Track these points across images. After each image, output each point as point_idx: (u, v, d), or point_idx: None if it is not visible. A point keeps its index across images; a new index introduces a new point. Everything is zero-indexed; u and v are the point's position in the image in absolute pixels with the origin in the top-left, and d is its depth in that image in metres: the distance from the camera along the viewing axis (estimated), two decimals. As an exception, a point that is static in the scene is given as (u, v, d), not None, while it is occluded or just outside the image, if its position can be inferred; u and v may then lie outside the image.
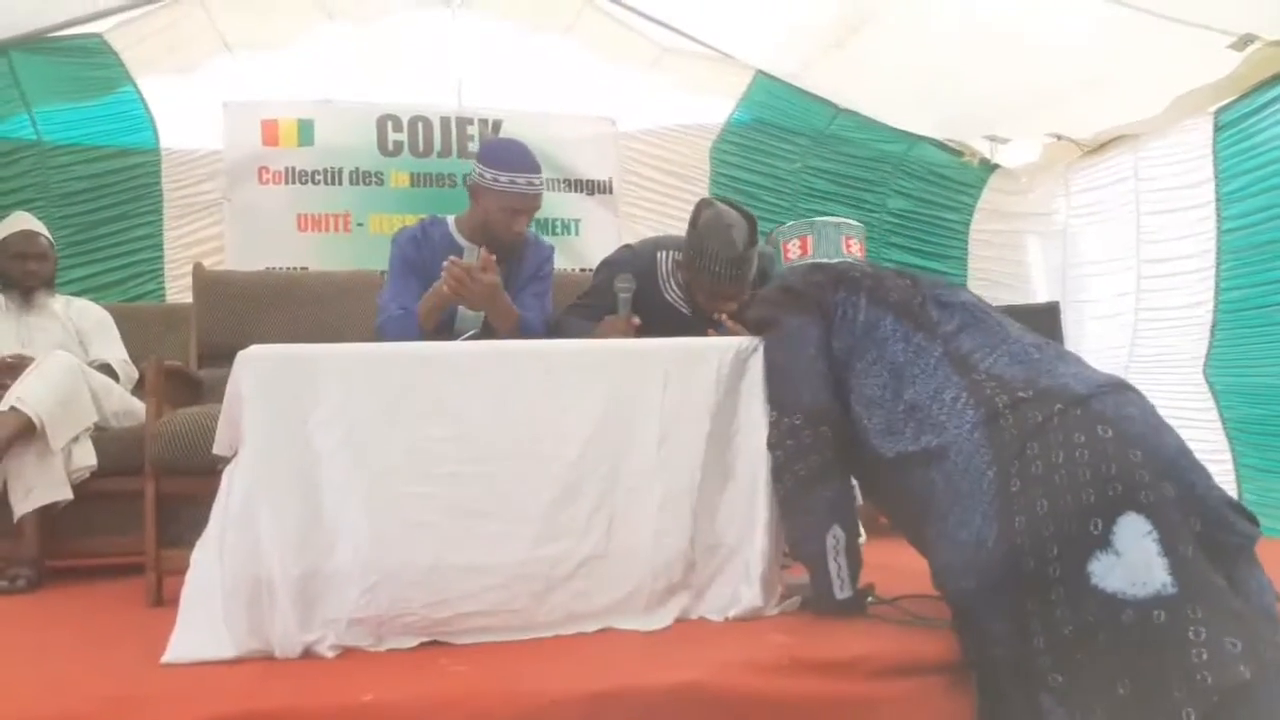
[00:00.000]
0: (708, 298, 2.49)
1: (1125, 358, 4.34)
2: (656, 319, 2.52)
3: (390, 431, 1.70)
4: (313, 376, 1.69)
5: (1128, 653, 1.36)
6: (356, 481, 1.68)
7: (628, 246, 2.80)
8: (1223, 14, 3.44)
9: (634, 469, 1.75)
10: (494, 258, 2.40)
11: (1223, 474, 3.84)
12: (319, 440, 1.68)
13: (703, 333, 2.47)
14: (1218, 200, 3.91)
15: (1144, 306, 4.29)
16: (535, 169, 2.62)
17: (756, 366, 1.88)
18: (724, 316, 2.37)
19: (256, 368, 1.69)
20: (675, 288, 2.63)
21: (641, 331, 2.49)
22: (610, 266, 2.68)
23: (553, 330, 2.58)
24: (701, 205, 2.52)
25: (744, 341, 1.92)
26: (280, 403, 1.68)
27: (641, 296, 2.54)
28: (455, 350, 1.92)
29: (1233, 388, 3.82)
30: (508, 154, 2.63)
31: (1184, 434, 4.30)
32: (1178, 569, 1.37)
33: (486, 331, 2.46)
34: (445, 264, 2.35)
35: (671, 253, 2.64)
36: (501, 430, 1.73)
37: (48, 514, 2.59)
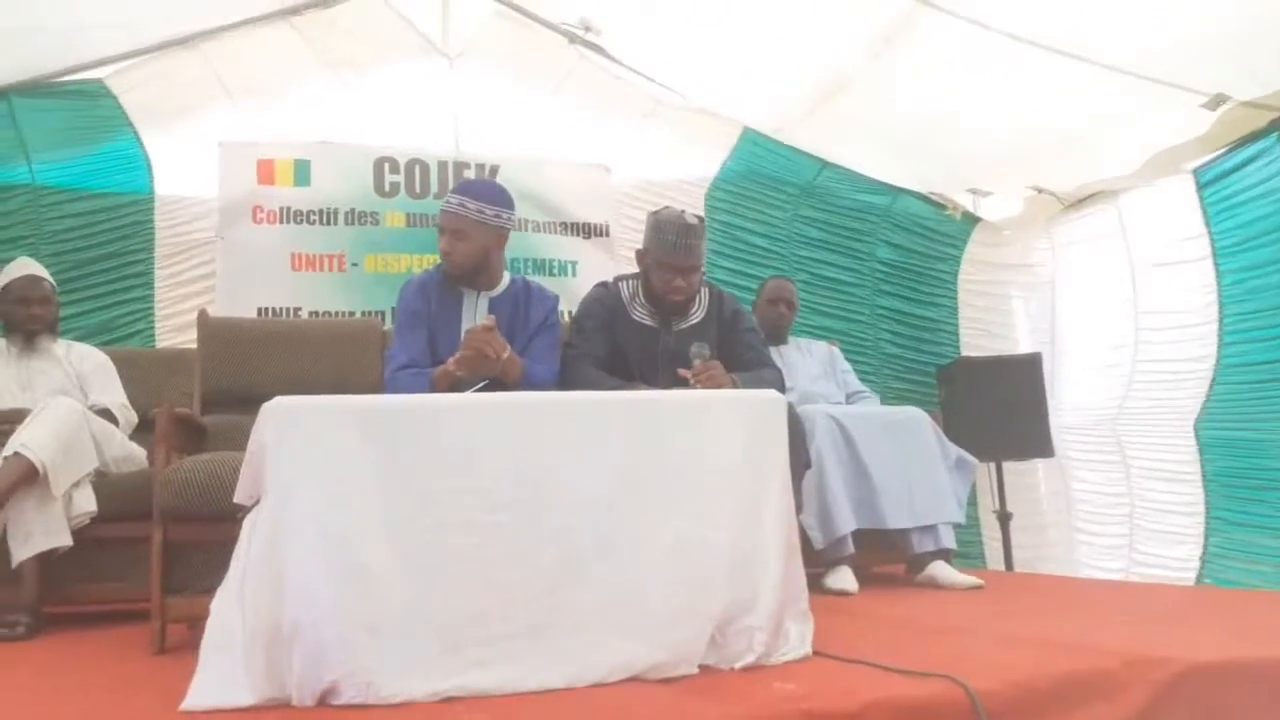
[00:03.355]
0: (664, 274, 2.85)
1: (1116, 409, 4.41)
2: (630, 339, 2.91)
3: (408, 482, 1.73)
4: (335, 427, 1.72)
5: None
6: (376, 532, 1.70)
7: (601, 284, 3.09)
8: (1196, 75, 3.59)
9: (651, 520, 1.78)
10: (493, 318, 2.51)
11: (1193, 525, 3.90)
12: (339, 490, 1.70)
13: (669, 340, 2.89)
14: (1214, 254, 4.00)
15: (1141, 359, 4.35)
16: (472, 194, 2.71)
17: (777, 418, 1.93)
18: (690, 374, 2.63)
19: (280, 418, 1.71)
20: (639, 307, 2.97)
21: (616, 349, 2.88)
22: (591, 306, 2.96)
23: (577, 386, 2.67)
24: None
25: (764, 394, 1.97)
26: (302, 452, 1.70)
27: (614, 323, 2.91)
28: (473, 402, 1.95)
29: (1219, 440, 3.89)
30: (459, 184, 2.81)
31: (1165, 486, 4.41)
32: None
33: (495, 384, 2.51)
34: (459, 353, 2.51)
35: (630, 281, 3.02)
36: (518, 481, 1.76)
37: (47, 560, 2.59)
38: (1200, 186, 4.03)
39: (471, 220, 2.66)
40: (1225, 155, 3.91)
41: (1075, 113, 3.97)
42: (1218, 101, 3.68)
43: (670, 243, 2.81)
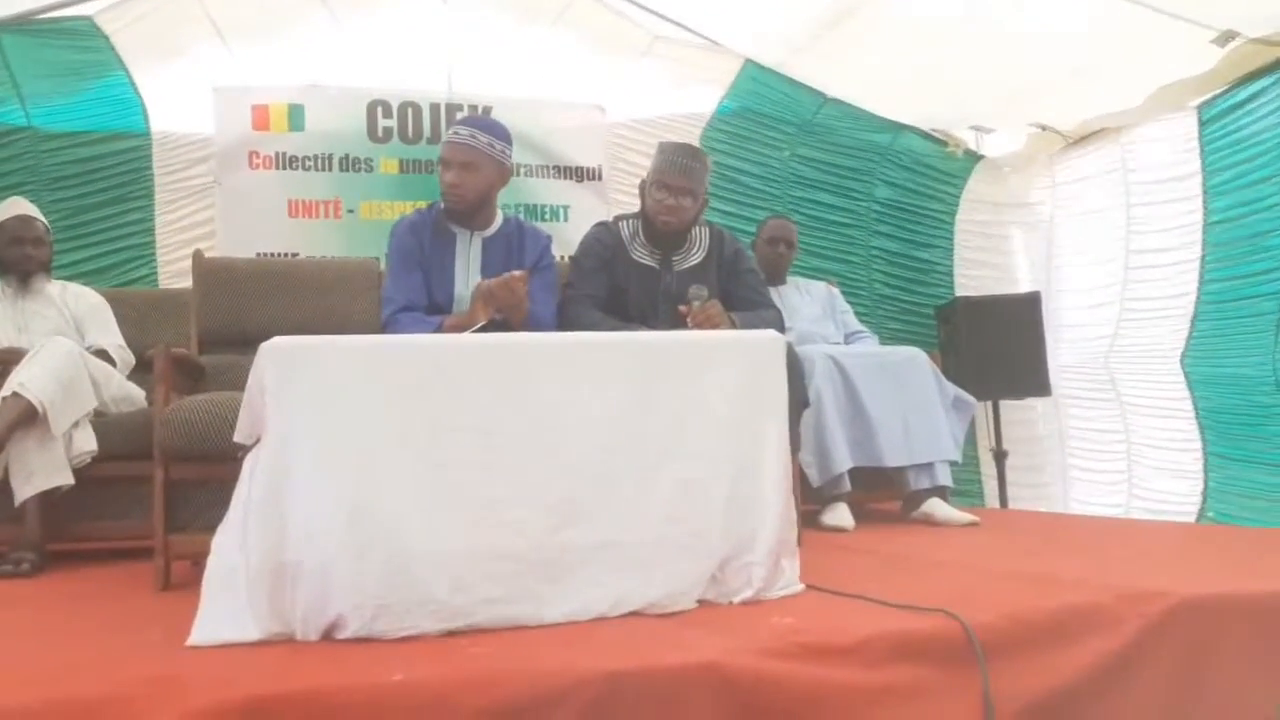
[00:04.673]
0: (657, 193, 2.84)
1: (1107, 347, 4.43)
2: (630, 279, 2.91)
3: (409, 421, 1.73)
4: (334, 367, 1.71)
5: None
6: (376, 470, 1.70)
7: (601, 224, 3.09)
8: (1206, 9, 3.51)
9: (652, 461, 1.79)
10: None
11: (1192, 461, 3.93)
12: (339, 429, 1.70)
13: (669, 281, 2.89)
14: (1204, 193, 3.98)
15: (1129, 296, 4.36)
16: (483, 128, 2.68)
17: (776, 359, 1.92)
18: (688, 311, 2.63)
19: (279, 358, 1.70)
20: (639, 247, 2.96)
21: (615, 290, 2.87)
22: (591, 246, 2.96)
23: (576, 327, 2.68)
24: None
25: (764, 334, 1.97)
26: (302, 392, 1.70)
27: (614, 263, 2.90)
28: (475, 342, 1.94)
29: (1208, 378, 3.90)
30: (465, 118, 2.73)
31: (1160, 423, 4.40)
32: None
33: (493, 324, 2.50)
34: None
35: (631, 220, 2.99)
36: (520, 422, 1.76)
37: (49, 499, 2.62)
38: (1202, 124, 3.98)
39: (483, 153, 2.63)
40: (1230, 92, 3.85)
41: (1081, 47, 3.90)
42: (1227, 38, 3.61)
43: (667, 161, 2.84)
